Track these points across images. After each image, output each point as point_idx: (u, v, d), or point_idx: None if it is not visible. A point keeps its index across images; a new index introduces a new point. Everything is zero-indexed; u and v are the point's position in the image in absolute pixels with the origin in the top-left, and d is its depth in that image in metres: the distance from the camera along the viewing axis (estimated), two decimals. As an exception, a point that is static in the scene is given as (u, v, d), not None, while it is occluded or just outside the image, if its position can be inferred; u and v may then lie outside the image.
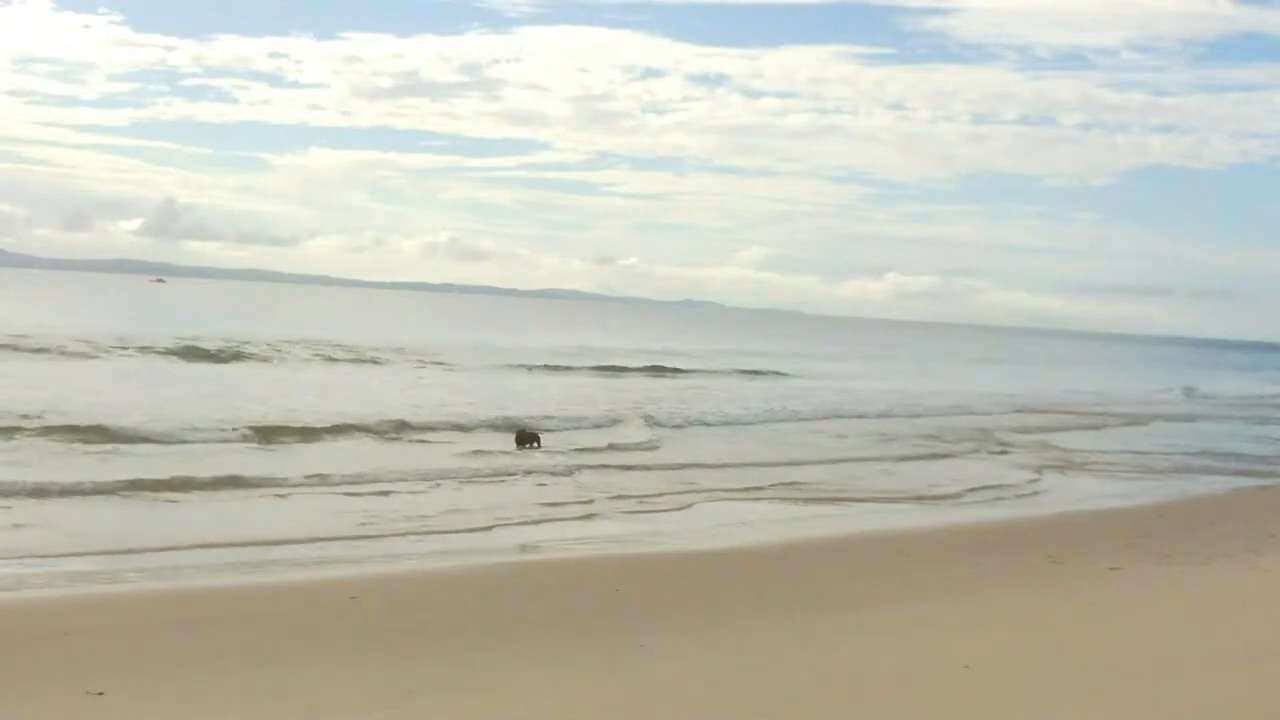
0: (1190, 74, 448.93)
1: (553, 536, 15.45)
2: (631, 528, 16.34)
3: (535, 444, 22.76)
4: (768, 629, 10.43)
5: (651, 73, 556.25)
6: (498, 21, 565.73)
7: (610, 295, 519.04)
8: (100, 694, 7.87)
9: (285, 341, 49.58)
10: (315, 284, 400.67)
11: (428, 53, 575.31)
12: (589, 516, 17.02)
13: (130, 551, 13.21)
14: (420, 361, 47.56)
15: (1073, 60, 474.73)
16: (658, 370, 50.94)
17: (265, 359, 43.89)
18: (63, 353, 39.43)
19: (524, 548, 14.75)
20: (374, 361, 46.27)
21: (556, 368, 48.93)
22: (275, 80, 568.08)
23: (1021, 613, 11.38)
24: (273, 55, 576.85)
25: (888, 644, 9.84)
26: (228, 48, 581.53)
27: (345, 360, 45.84)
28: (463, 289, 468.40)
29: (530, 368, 47.91)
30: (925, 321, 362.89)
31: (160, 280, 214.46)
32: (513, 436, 23.14)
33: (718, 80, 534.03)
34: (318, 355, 46.49)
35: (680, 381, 47.09)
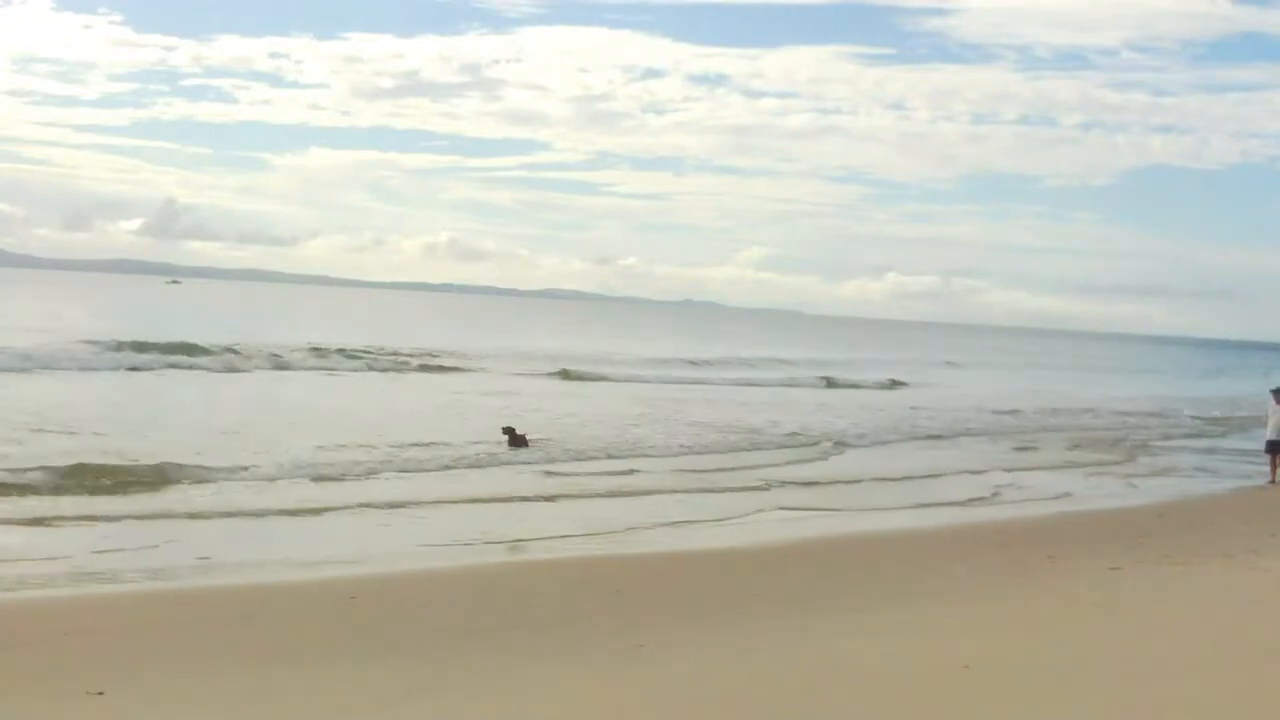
0: (1190, 74, 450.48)
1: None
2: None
3: (523, 444, 22.72)
4: (768, 629, 10.43)
5: (651, 73, 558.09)
6: (498, 22, 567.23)
7: (610, 295, 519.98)
8: (100, 694, 7.86)
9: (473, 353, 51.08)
10: (315, 284, 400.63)
11: (428, 53, 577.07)
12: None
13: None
14: (588, 374, 47.05)
15: (1073, 60, 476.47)
16: (738, 379, 49.56)
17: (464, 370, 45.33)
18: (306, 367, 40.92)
19: (524, 548, 14.76)
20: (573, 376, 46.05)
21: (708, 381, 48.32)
22: (275, 80, 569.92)
23: (1021, 613, 11.37)
24: (273, 55, 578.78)
25: (888, 644, 9.83)
26: (228, 48, 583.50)
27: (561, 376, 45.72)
28: (463, 289, 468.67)
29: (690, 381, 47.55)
30: (925, 321, 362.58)
31: (175, 281, 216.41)
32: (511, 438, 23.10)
33: (718, 80, 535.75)
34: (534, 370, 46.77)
35: (829, 394, 45.42)
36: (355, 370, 42.53)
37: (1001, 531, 17.15)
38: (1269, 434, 24.65)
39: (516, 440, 22.75)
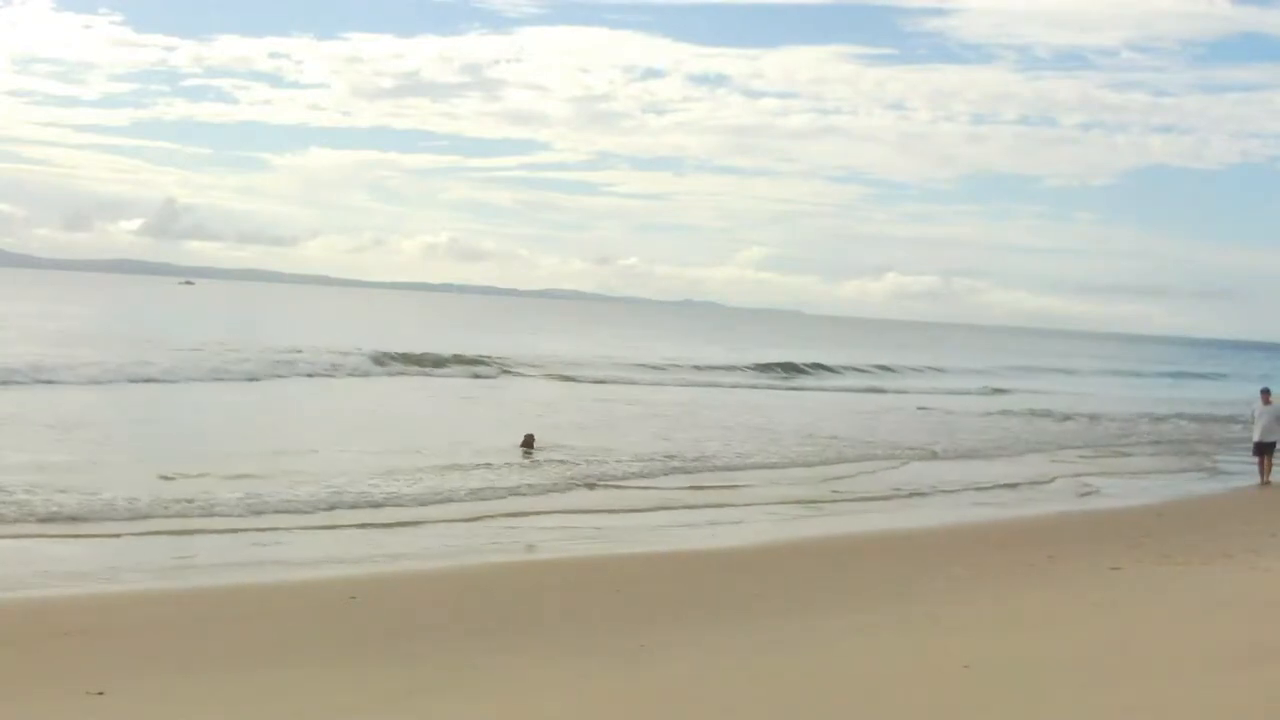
0: (1190, 74, 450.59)
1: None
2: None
3: (531, 446, 22.90)
4: (768, 629, 10.43)
5: (651, 73, 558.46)
6: (498, 22, 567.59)
7: (610, 295, 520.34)
8: (100, 694, 7.86)
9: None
10: (315, 284, 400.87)
11: (428, 53, 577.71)
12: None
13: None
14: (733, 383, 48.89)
15: (1073, 60, 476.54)
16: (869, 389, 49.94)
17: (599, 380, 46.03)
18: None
19: (525, 547, 14.75)
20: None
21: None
22: (275, 80, 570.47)
23: (1021, 613, 11.38)
24: (273, 55, 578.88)
25: (888, 644, 9.84)
26: (228, 48, 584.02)
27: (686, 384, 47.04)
28: (463, 289, 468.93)
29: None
30: (926, 322, 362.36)
31: (189, 282, 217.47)
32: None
33: (718, 80, 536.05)
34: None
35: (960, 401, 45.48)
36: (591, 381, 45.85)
37: (1001, 531, 17.15)
38: (1256, 435, 24.57)
39: (528, 444, 23.05)
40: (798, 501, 19.39)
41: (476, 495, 17.94)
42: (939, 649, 9.52)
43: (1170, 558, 14.53)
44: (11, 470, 16.93)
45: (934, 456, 26.57)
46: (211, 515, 15.07)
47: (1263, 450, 24.23)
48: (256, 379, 36.54)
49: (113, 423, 25.77)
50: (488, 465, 20.63)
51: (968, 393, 50.82)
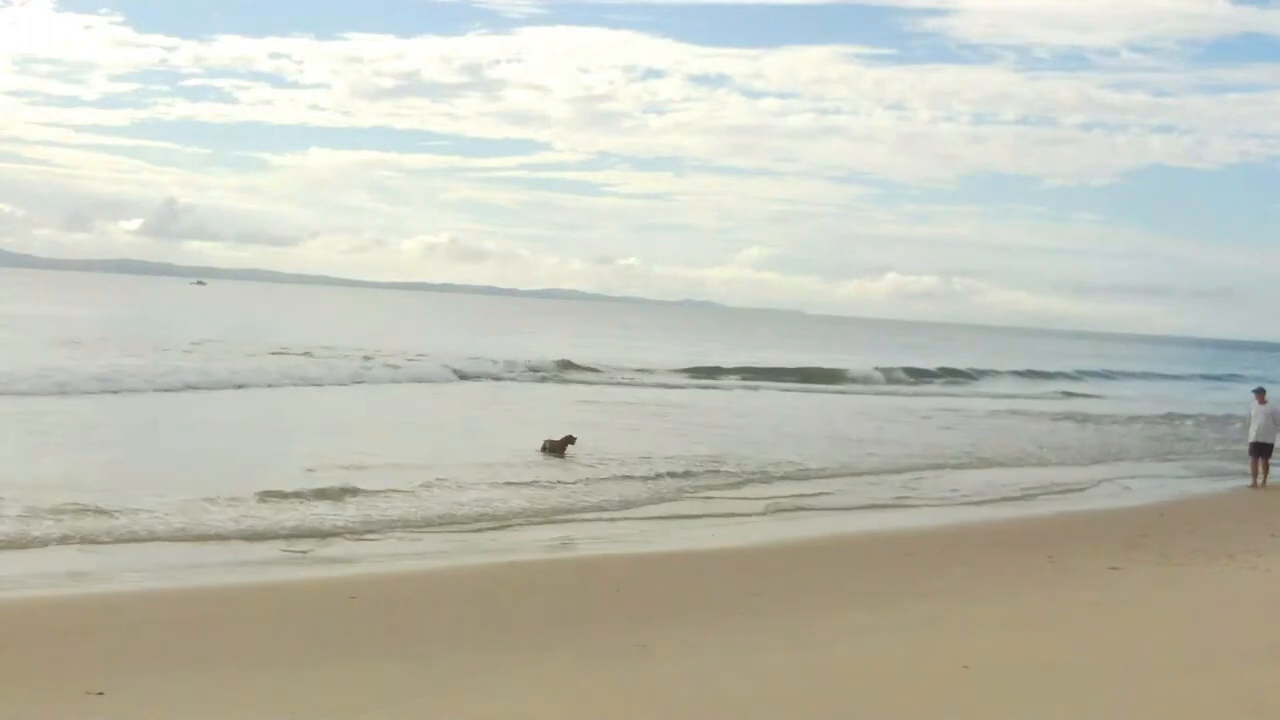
0: (1190, 74, 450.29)
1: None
2: None
3: (560, 451, 22.58)
4: (767, 629, 10.43)
5: (652, 73, 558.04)
6: (498, 22, 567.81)
7: (610, 295, 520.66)
8: (100, 694, 7.87)
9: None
10: (316, 284, 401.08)
11: (428, 53, 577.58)
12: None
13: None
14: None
15: (1073, 60, 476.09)
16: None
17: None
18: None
19: (524, 547, 14.74)
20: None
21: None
22: (276, 80, 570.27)
23: (1021, 613, 11.38)
24: (273, 56, 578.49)
25: (888, 644, 9.85)
26: (228, 48, 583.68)
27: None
28: (463, 289, 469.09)
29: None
30: (927, 322, 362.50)
31: (201, 282, 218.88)
32: None
33: (718, 80, 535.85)
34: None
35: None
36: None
37: (1001, 531, 17.16)
38: (1252, 435, 24.52)
39: (555, 448, 22.67)
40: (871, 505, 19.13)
41: (560, 512, 16.92)
42: (939, 649, 9.53)
43: (1170, 558, 14.54)
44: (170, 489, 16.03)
45: (986, 463, 26.19)
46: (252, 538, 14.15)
47: (1259, 451, 24.22)
48: (320, 384, 36.58)
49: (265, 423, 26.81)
50: (586, 483, 19.44)
51: (1040, 396, 51.09)
